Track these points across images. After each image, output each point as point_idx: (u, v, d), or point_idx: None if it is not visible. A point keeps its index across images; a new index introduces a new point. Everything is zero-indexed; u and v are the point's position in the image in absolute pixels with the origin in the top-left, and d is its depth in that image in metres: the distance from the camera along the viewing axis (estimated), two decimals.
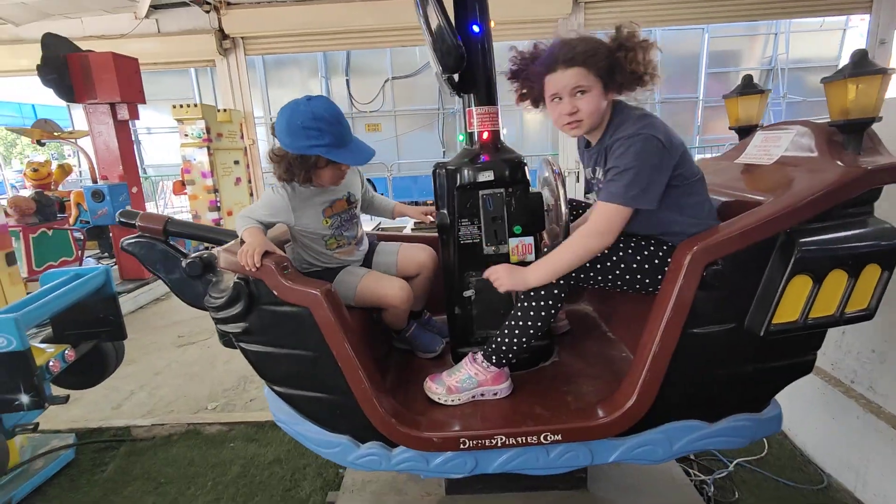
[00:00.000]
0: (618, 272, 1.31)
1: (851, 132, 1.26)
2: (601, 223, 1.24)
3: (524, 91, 1.38)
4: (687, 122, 10.14)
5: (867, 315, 1.22)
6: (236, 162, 6.77)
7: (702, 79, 9.98)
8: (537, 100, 1.36)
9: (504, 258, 1.54)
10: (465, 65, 1.38)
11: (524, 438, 1.28)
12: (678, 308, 1.19)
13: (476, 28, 1.41)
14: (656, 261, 1.30)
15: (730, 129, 1.77)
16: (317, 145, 1.40)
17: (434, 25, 1.31)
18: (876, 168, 1.17)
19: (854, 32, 8.76)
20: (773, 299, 1.17)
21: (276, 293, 1.29)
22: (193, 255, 1.60)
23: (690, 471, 1.84)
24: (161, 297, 4.78)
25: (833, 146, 1.30)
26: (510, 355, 1.39)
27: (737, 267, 1.19)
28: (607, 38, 1.24)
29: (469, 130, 1.53)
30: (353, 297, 1.57)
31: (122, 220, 1.65)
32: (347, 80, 9.64)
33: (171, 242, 1.64)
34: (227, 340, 1.52)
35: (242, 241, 1.40)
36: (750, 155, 1.59)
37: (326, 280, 1.58)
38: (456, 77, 1.43)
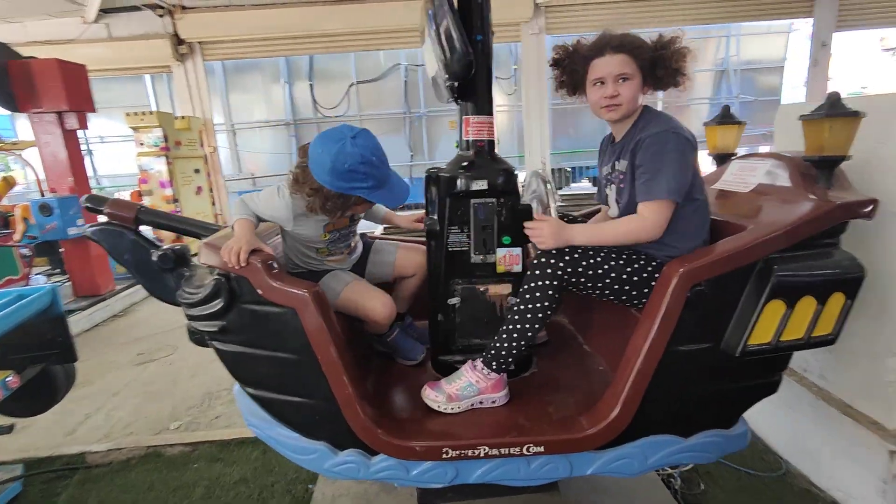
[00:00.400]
0: (608, 281, 1.35)
1: (824, 168, 1.35)
2: (653, 219, 1.29)
3: (563, 79, 1.45)
4: None
5: (831, 340, 1.31)
6: (196, 170, 6.56)
7: None
8: (575, 87, 1.44)
9: (491, 268, 1.55)
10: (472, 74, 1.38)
11: (507, 449, 1.28)
12: (664, 325, 1.23)
13: (479, 37, 1.41)
14: (644, 275, 1.34)
15: (708, 155, 1.86)
16: (360, 187, 1.40)
17: (445, 31, 1.30)
18: (845, 203, 1.25)
19: (798, 35, 9.31)
20: (750, 322, 1.23)
21: (260, 292, 1.23)
22: (165, 246, 1.52)
23: None
24: (119, 314, 4.48)
25: (806, 179, 1.38)
26: (510, 360, 1.40)
27: (718, 289, 1.24)
28: (649, 40, 1.34)
29: (465, 138, 1.53)
30: (334, 303, 1.53)
31: (88, 205, 1.53)
32: (311, 85, 9.49)
33: (142, 233, 1.54)
34: (199, 339, 1.44)
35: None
36: (727, 182, 1.67)
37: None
38: (457, 84, 1.43)
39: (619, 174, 1.41)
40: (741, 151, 1.84)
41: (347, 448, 1.33)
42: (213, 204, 6.90)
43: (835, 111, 1.32)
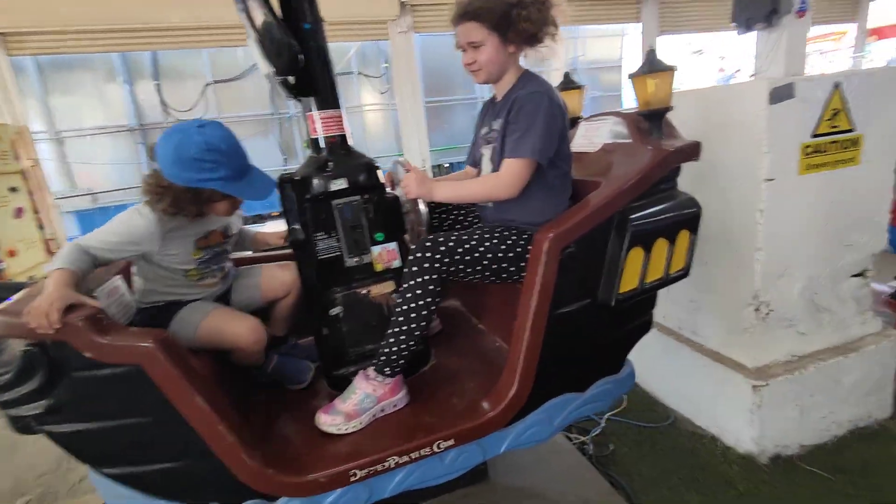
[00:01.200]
0: (486, 262, 1.34)
1: (654, 120, 1.47)
2: (511, 177, 1.30)
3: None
4: None
5: (685, 273, 1.44)
6: (13, 189, 5.36)
7: None
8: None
9: (368, 268, 1.47)
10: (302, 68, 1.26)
11: (417, 453, 1.22)
12: (543, 292, 1.25)
13: (307, 25, 1.29)
14: (518, 249, 1.36)
15: None
16: (211, 178, 1.24)
17: (260, 23, 1.16)
18: (677, 149, 1.37)
19: (630, 38, 10.58)
20: (617, 272, 1.31)
21: (89, 355, 1.02)
22: None
23: (570, 435, 2.01)
24: None
25: (642, 133, 1.49)
26: (401, 361, 1.33)
27: (585, 247, 1.30)
28: None
29: (313, 136, 1.40)
30: (194, 338, 1.33)
31: None
32: (158, 85, 8.43)
33: None
34: (25, 426, 1.16)
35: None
36: (577, 144, 1.75)
37: (164, 317, 1.32)
38: (292, 79, 1.30)
39: (495, 133, 1.41)
40: None
41: (244, 502, 1.18)
42: (41, 227, 5.72)
43: (653, 67, 1.43)
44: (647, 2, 6.13)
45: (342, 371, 1.49)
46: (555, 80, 1.74)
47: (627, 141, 1.52)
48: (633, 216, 1.29)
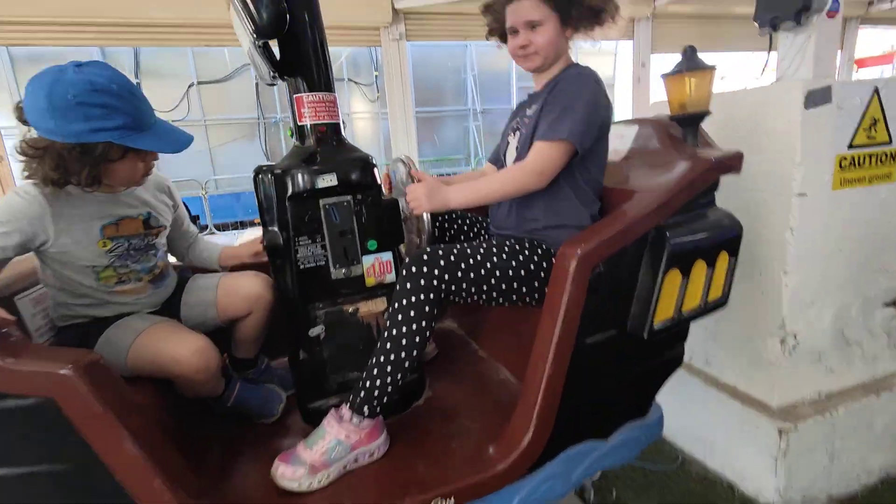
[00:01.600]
0: (493, 281, 1.13)
1: (689, 125, 1.30)
2: (539, 162, 1.14)
3: (494, 26, 1.32)
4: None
5: (723, 302, 1.25)
6: None
7: (514, 91, 11.05)
8: (504, 35, 1.30)
9: (358, 282, 1.24)
10: (289, 33, 1.05)
11: None
12: (568, 319, 1.04)
13: None
14: (531, 266, 1.16)
15: None
16: (103, 129, 0.96)
17: None
18: (720, 158, 1.19)
19: (622, 57, 10.67)
20: (653, 298, 1.11)
21: None
22: None
23: None
24: None
25: (674, 140, 1.32)
26: (384, 399, 1.09)
27: (616, 267, 1.10)
28: None
29: (300, 123, 1.19)
30: (125, 366, 1.07)
31: None
32: (138, 84, 8.18)
33: None
34: None
35: None
36: None
37: (89, 340, 1.06)
38: (277, 52, 1.09)
39: (527, 119, 1.25)
40: None
41: None
42: None
43: (693, 65, 1.27)
44: (641, 20, 6.11)
45: (320, 403, 1.25)
46: None
47: (658, 148, 1.35)
48: (671, 233, 1.11)
